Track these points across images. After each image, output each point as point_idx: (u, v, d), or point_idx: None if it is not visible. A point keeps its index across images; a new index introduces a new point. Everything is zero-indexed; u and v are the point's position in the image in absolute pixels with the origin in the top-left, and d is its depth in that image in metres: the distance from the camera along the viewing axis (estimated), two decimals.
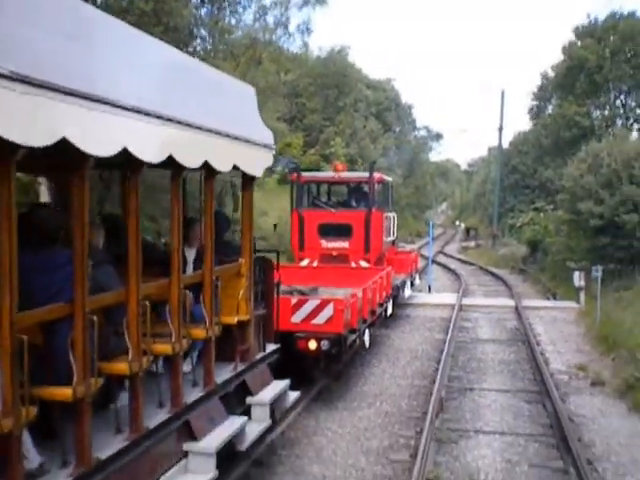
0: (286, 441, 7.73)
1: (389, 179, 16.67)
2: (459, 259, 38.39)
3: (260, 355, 6.89)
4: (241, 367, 6.34)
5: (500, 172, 43.08)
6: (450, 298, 19.69)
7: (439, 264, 32.63)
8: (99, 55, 3.88)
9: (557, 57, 36.50)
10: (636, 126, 33.39)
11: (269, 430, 6.77)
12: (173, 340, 4.92)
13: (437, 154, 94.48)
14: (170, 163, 4.54)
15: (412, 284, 17.56)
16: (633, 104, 33.94)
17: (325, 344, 8.59)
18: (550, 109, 38.41)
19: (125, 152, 3.91)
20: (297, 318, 8.66)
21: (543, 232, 28.82)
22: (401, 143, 63.43)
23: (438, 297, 20.24)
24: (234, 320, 6.17)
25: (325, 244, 14.57)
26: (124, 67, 4.12)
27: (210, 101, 5.42)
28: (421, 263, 22.38)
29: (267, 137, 6.71)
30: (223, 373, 6.00)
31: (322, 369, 9.49)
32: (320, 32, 35.62)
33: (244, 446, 5.81)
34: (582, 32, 33.92)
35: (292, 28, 25.87)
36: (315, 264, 14.23)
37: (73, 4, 3.85)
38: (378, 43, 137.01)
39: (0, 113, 2.88)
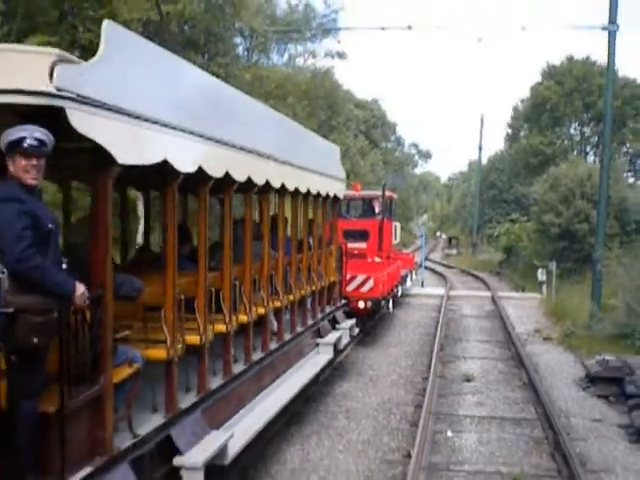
0: (349, 362, 12.47)
1: (395, 196, 21.51)
2: (443, 264, 43.36)
3: (340, 303, 11.65)
4: (333, 307, 11.09)
5: (480, 187, 48.30)
6: (439, 291, 24.57)
7: (427, 268, 37.52)
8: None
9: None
10: (590, 152, 39.03)
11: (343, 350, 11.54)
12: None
13: (422, 169, 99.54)
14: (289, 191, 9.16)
15: (412, 278, 22.37)
16: (588, 134, 39.68)
17: (369, 304, 13.43)
18: (522, 135, 43.87)
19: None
20: (351, 287, 13.42)
21: (516, 239, 33.89)
22: (387, 159, 68.40)
23: (430, 290, 25.10)
24: (330, 280, 10.91)
25: (349, 245, 19.26)
26: (266, 132, 7.54)
27: (313, 153, 9.80)
28: None
29: (343, 175, 11.51)
30: (327, 310, 10.72)
31: (365, 320, 14.23)
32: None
33: (341, 345, 10.58)
34: (546, 74, 39.80)
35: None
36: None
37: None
38: (363, 64, 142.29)
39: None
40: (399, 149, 77.24)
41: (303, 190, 8.60)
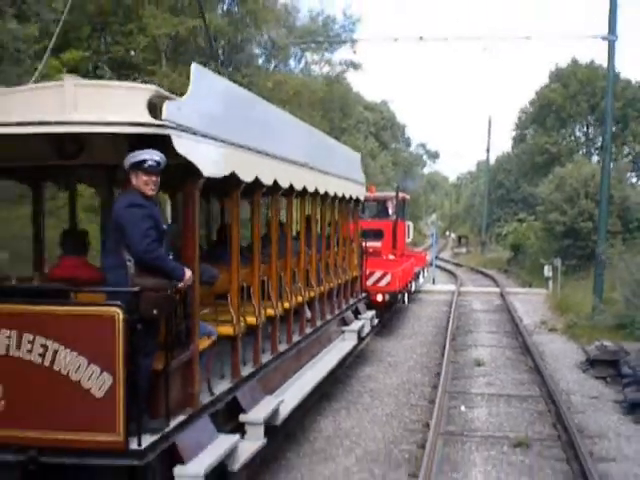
0: (369, 350, 13.57)
1: (407, 197, 22.60)
2: (453, 262, 44.45)
3: (361, 296, 12.77)
4: (355, 299, 12.21)
5: (488, 187, 49.36)
6: (450, 287, 25.66)
7: (437, 266, 38.59)
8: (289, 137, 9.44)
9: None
10: (595, 153, 40.14)
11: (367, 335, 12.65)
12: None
13: (429, 169, 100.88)
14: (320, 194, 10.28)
15: (424, 275, 23.47)
16: (592, 135, 40.86)
17: (387, 297, 14.54)
18: (529, 136, 44.99)
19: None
20: (370, 282, 14.53)
21: (523, 238, 34.94)
22: (396, 160, 69.54)
23: (441, 286, 26.21)
24: (353, 275, 12.03)
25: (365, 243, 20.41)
26: (304, 144, 9.23)
27: (338, 160, 10.93)
28: None
29: (363, 179, 12.63)
30: (350, 301, 11.82)
31: (383, 312, 15.32)
32: None
33: (364, 333, 11.70)
34: (553, 76, 41.02)
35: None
36: None
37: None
38: (374, 67, 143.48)
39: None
40: (407, 150, 78.36)
41: (331, 193, 9.71)
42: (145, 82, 19.24)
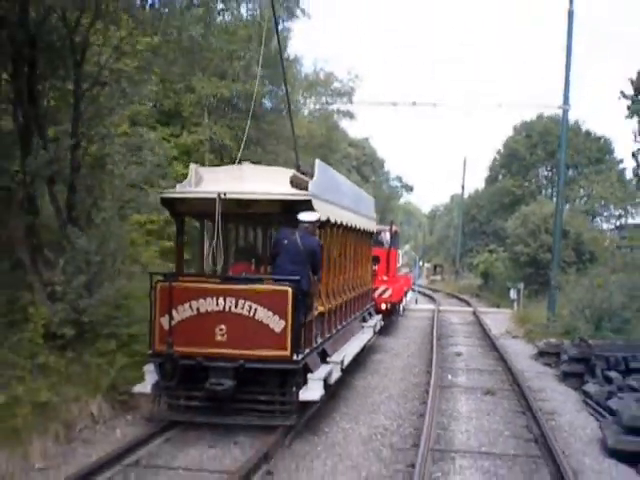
0: (376, 345, 17.96)
1: (398, 230, 27.16)
2: (430, 288, 49.09)
3: (372, 303, 17.22)
4: (369, 305, 16.65)
5: (462, 221, 54.38)
6: (430, 306, 30.23)
7: (417, 291, 43.24)
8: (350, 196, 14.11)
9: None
10: (554, 193, 45.58)
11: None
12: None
13: (404, 199, 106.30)
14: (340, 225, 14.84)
15: (411, 293, 28.02)
16: (553, 178, 46.33)
17: (389, 305, 19.04)
18: (499, 178, 50.46)
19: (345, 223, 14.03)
20: (376, 294, 18.97)
21: (492, 267, 39.76)
22: (377, 193, 74.54)
23: (423, 306, 30.77)
24: (368, 287, 16.47)
25: None
26: (357, 201, 14.24)
27: (362, 203, 15.42)
28: None
29: (374, 216, 17.17)
30: (367, 306, 16.24)
31: (385, 317, 19.74)
32: None
33: (377, 328, 16.13)
34: (517, 128, 46.88)
35: None
36: None
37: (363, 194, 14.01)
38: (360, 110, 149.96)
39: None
40: (386, 184, 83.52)
41: (358, 227, 14.20)
42: (190, 133, 23.73)
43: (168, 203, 9.90)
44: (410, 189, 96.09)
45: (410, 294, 27.38)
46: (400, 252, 27.40)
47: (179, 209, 10.03)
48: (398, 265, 26.64)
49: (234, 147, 26.41)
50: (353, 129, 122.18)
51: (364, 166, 71.99)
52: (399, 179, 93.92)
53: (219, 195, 9.13)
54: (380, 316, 17.41)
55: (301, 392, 8.98)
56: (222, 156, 26.44)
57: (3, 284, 9.98)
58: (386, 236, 25.37)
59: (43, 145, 10.62)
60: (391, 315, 20.31)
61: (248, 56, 23.10)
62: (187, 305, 8.98)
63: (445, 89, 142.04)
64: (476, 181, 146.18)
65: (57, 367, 9.39)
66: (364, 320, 15.61)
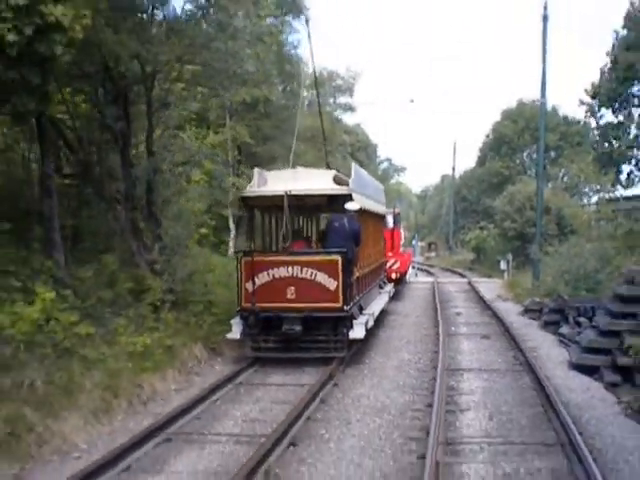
0: (389, 309, 21.42)
1: (400, 211, 30.58)
2: (427, 264, 52.65)
3: (385, 273, 20.68)
4: (384, 275, 20.10)
5: (453, 200, 57.92)
6: (430, 279, 33.75)
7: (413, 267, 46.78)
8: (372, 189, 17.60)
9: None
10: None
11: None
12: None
13: (395, 182, 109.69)
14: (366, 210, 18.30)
15: (410, 269, 31.52)
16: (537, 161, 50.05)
17: (398, 275, 22.56)
18: (488, 160, 54.11)
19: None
20: (387, 266, 22.41)
21: (484, 242, 43.32)
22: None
23: (423, 279, 34.27)
24: (382, 259, 19.91)
25: None
26: (375, 191, 17.74)
27: (376, 190, 18.78)
28: None
29: (384, 199, 20.60)
30: (382, 275, 19.69)
31: (395, 285, 23.20)
32: None
33: (391, 294, 19.61)
34: (505, 114, 50.47)
35: None
36: None
37: (377, 184, 17.48)
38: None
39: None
40: (379, 168, 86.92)
41: (376, 211, 17.63)
42: (216, 133, 27.01)
43: (244, 199, 13.27)
44: (401, 170, 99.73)
45: (410, 270, 30.84)
46: (402, 231, 30.82)
47: (252, 203, 13.41)
48: (402, 242, 30.14)
49: (253, 144, 29.89)
50: (347, 115, 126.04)
51: (358, 152, 75.38)
52: (389, 161, 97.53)
53: (286, 192, 12.49)
54: (392, 284, 20.86)
55: (350, 333, 12.43)
56: (241, 151, 29.90)
57: (125, 264, 13.35)
58: (390, 218, 28.88)
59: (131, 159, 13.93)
60: (399, 284, 23.78)
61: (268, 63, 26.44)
62: (265, 273, 12.40)
63: (439, 82, 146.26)
64: (466, 160, 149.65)
65: (169, 322, 12.79)
66: (380, 287, 19.06)
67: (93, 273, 11.91)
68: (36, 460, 7.97)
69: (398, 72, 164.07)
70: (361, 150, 76.62)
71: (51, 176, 12.00)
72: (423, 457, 7.60)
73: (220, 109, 27.07)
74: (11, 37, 8.55)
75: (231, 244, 27.69)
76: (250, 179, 13.65)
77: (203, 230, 21.93)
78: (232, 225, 28.16)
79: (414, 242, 38.01)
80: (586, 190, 45.53)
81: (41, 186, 12.14)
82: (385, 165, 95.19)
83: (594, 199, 42.12)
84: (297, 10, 29.21)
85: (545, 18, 26.18)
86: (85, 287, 11.62)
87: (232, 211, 27.76)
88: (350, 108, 41.79)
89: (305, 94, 38.29)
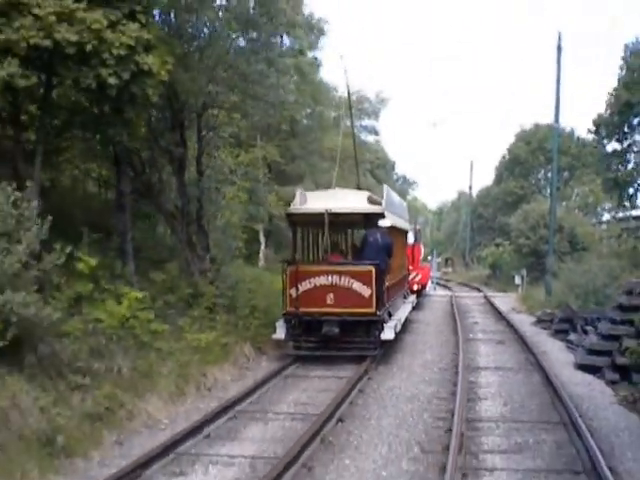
0: (411, 317, 23.12)
1: (420, 228, 32.34)
2: (443, 279, 54.25)
3: (407, 286, 22.41)
4: (407, 285, 21.83)
5: (470, 217, 59.61)
6: (447, 292, 35.43)
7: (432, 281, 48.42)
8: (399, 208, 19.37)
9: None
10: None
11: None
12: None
13: (410, 198, 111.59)
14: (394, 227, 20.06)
15: (430, 283, 33.23)
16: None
17: (420, 286, 24.30)
18: (503, 179, 56.03)
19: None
20: (409, 278, 24.14)
21: (499, 258, 44.94)
22: None
23: (441, 292, 35.94)
24: (406, 273, 21.65)
25: None
26: (401, 209, 19.51)
27: (401, 207, 20.50)
28: None
29: (407, 215, 22.38)
30: (406, 286, 21.42)
31: (417, 296, 24.91)
32: None
33: (414, 304, 21.33)
34: (519, 136, 52.54)
35: None
36: None
37: (402, 203, 19.28)
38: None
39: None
40: (397, 184, 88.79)
41: (401, 227, 19.35)
42: (247, 152, 28.93)
43: (289, 215, 15.07)
44: (414, 184, 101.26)
45: (430, 283, 32.53)
46: (422, 247, 32.56)
47: (295, 220, 15.20)
48: (421, 257, 31.89)
49: (282, 162, 31.81)
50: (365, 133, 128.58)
51: (377, 169, 77.27)
52: (403, 178, 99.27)
53: (327, 210, 14.28)
54: (415, 295, 22.58)
55: (382, 334, 14.16)
56: (271, 169, 31.79)
57: (182, 272, 15.18)
58: (411, 234, 30.63)
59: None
60: (420, 296, 25.51)
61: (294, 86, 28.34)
62: (307, 281, 14.16)
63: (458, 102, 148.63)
64: (482, 176, 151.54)
65: (223, 323, 14.58)
66: (404, 297, 20.79)
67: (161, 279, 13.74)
68: (129, 431, 9.74)
69: (419, 92, 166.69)
70: (380, 167, 78.87)
71: (125, 194, 13.86)
72: (450, 430, 9.31)
73: (251, 130, 29.01)
74: (112, 80, 10.41)
75: (261, 255, 29.56)
76: (278, 196, 15.42)
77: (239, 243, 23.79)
78: (262, 238, 30.00)
79: (430, 257, 39.68)
80: (598, 210, 47.16)
81: (116, 203, 14.00)
82: (400, 182, 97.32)
83: (605, 217, 43.83)
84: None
85: (559, 49, 27.90)
86: (154, 291, 13.46)
87: (262, 225, 29.66)
88: (375, 132, 43.56)
89: (333, 114, 40.37)
